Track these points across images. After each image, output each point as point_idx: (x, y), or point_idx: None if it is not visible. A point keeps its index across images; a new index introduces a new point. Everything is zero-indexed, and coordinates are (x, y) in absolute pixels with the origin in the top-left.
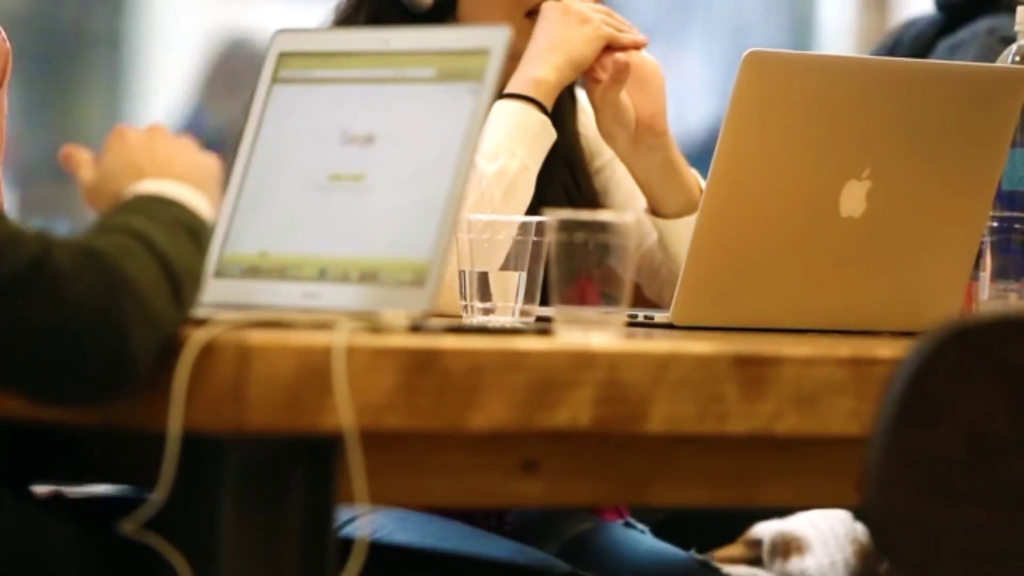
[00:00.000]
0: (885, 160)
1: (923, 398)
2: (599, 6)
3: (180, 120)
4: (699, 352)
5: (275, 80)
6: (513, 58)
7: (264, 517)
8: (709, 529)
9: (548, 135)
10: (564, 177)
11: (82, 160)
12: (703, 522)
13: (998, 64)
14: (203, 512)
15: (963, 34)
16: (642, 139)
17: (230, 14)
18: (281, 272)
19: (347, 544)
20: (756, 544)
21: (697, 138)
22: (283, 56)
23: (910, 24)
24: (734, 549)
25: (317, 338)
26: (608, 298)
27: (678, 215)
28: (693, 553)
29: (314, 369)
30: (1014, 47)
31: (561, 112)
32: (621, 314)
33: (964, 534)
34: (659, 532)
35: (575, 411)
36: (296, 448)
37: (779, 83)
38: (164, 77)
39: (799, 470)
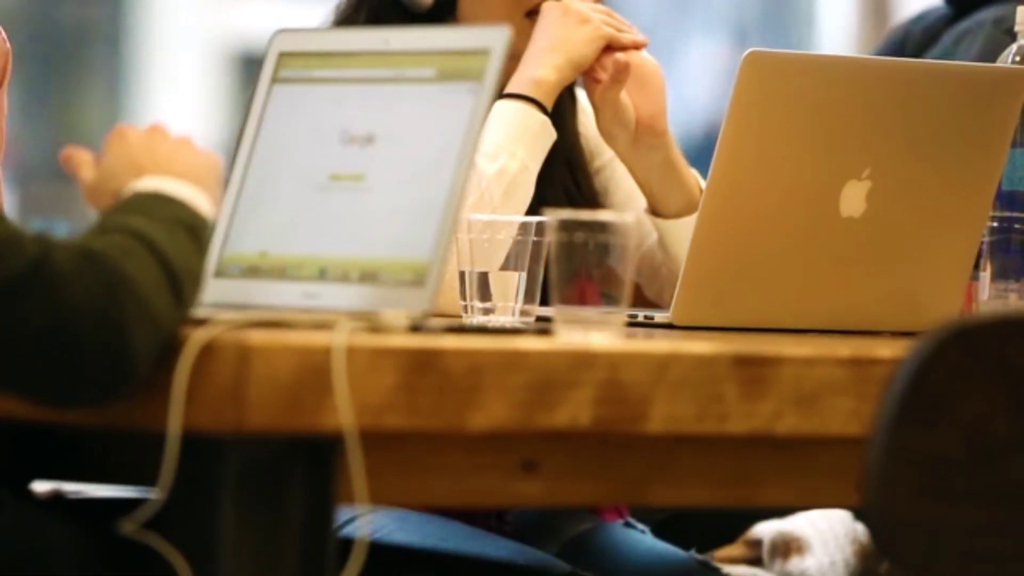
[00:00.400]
0: (885, 160)
1: (923, 398)
2: (599, 6)
3: None
4: (699, 352)
5: (275, 80)
6: (513, 58)
7: (264, 517)
8: (709, 529)
9: (548, 135)
10: (564, 177)
11: (82, 161)
12: (703, 522)
13: (998, 64)
14: (203, 512)
15: (969, 23)
16: (642, 139)
17: (230, 14)
18: (281, 272)
19: (347, 544)
20: (756, 544)
21: (697, 138)
22: (283, 56)
23: (919, 18)
24: (734, 549)
25: (317, 338)
26: (608, 298)
27: (678, 215)
28: (693, 553)
29: (314, 369)
30: (1014, 47)
31: (561, 112)
32: (621, 314)
33: (964, 534)
34: (659, 532)
35: (575, 411)
36: (296, 448)
37: (779, 83)
38: (164, 76)
39: (799, 470)
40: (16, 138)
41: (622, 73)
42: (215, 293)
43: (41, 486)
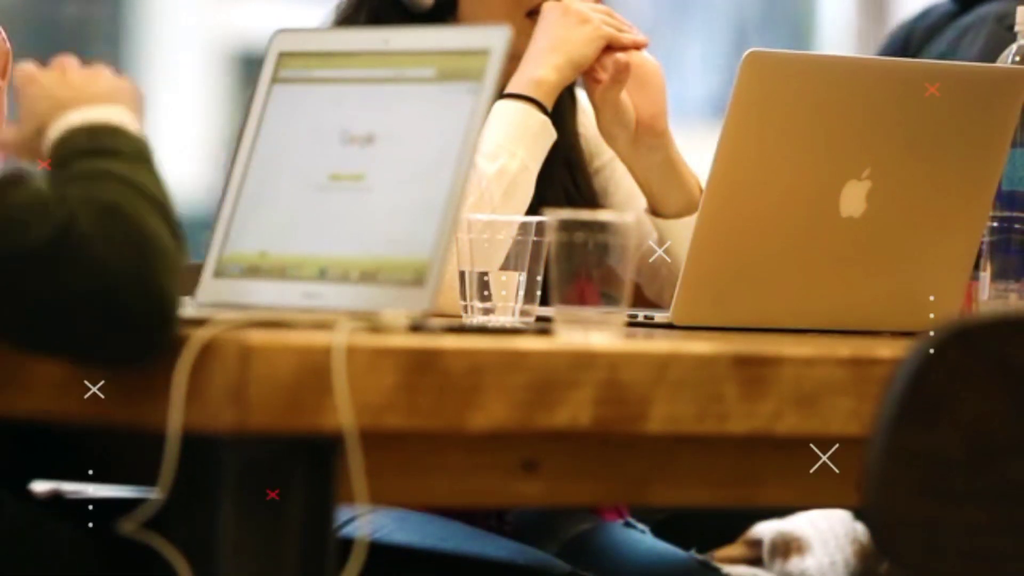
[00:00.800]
0: (885, 160)
1: (923, 398)
2: (599, 6)
3: None
4: (699, 352)
5: (275, 80)
6: (513, 58)
7: (264, 517)
8: (709, 529)
9: (548, 135)
10: (563, 178)
11: None
12: (703, 522)
13: (998, 64)
14: (203, 512)
15: (971, 18)
16: (642, 139)
17: (230, 14)
18: (281, 272)
19: (347, 544)
20: (756, 544)
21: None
22: (283, 56)
23: (923, 15)
24: (734, 549)
25: (317, 338)
26: (608, 298)
27: (678, 215)
28: (693, 553)
29: (314, 369)
30: (1014, 47)
31: (561, 112)
32: (621, 314)
33: (964, 534)
34: (659, 532)
35: (575, 411)
36: (296, 448)
37: (779, 83)
38: (164, 76)
39: (799, 470)
40: None
41: (622, 73)
42: (215, 293)
43: (40, 486)
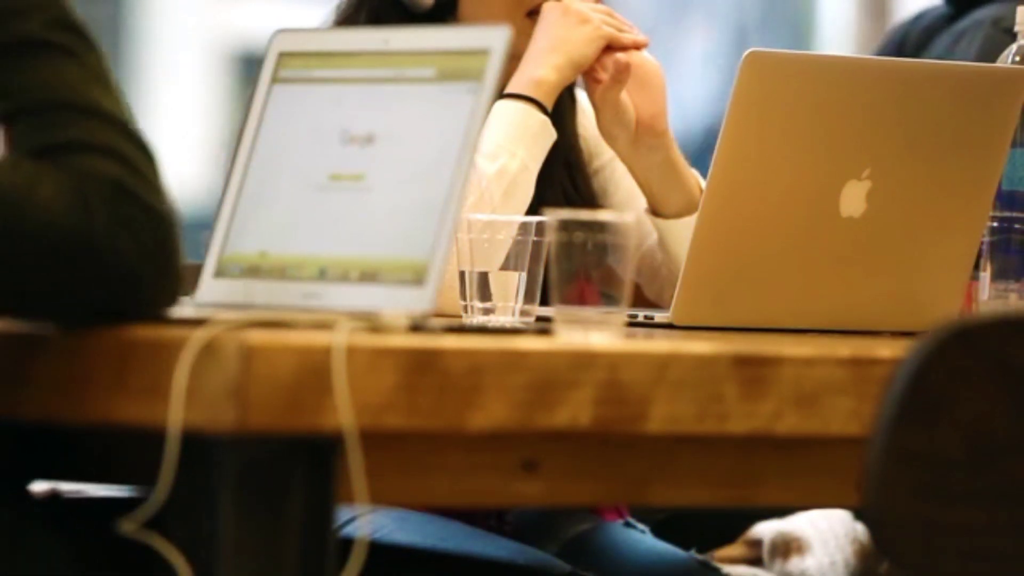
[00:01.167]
0: (885, 160)
1: (923, 398)
2: (599, 6)
3: None
4: (699, 352)
5: (275, 80)
6: (513, 58)
7: (264, 517)
8: (709, 529)
9: (548, 135)
10: (562, 178)
11: None
12: (703, 522)
13: (998, 64)
14: (203, 512)
15: (967, 22)
16: (642, 139)
17: (230, 14)
18: (281, 272)
19: (347, 544)
20: (756, 544)
21: (697, 138)
22: (283, 56)
23: (918, 18)
24: (734, 549)
25: (317, 338)
26: (608, 298)
27: (678, 215)
28: (693, 553)
29: (314, 369)
30: (1014, 47)
31: (561, 113)
32: (621, 314)
33: (964, 534)
34: (659, 532)
35: (575, 411)
36: (296, 448)
37: (779, 83)
38: (164, 76)
39: (799, 470)
40: None
41: (622, 73)
42: (215, 293)
43: (39, 486)
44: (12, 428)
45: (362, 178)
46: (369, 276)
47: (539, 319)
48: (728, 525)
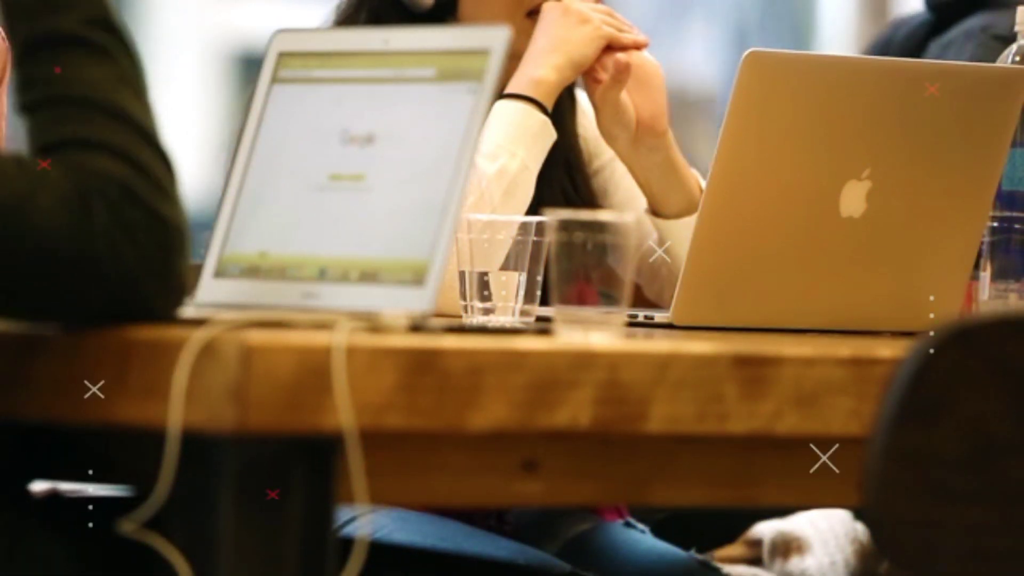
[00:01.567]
0: (885, 160)
1: (923, 398)
2: (600, 6)
3: None
4: (699, 352)
5: (275, 80)
6: (513, 58)
7: (264, 517)
8: (709, 529)
9: (548, 135)
10: (562, 178)
11: None
12: (703, 522)
13: (998, 64)
14: (203, 512)
15: (955, 33)
16: (642, 139)
17: (230, 14)
18: (281, 272)
19: (347, 544)
20: (756, 544)
21: None
22: (283, 56)
23: (900, 24)
24: (734, 549)
25: (317, 338)
26: (608, 298)
27: (678, 215)
28: (693, 553)
29: (314, 369)
30: (1014, 47)
31: (561, 113)
32: (621, 314)
33: (964, 534)
34: (659, 532)
35: (575, 411)
36: (296, 448)
37: (779, 83)
38: (163, 76)
39: (799, 470)
40: (16, 138)
41: (623, 73)
42: (215, 293)
43: (39, 486)
44: (12, 428)
45: (362, 178)
46: (369, 276)
47: (539, 319)
48: (728, 525)
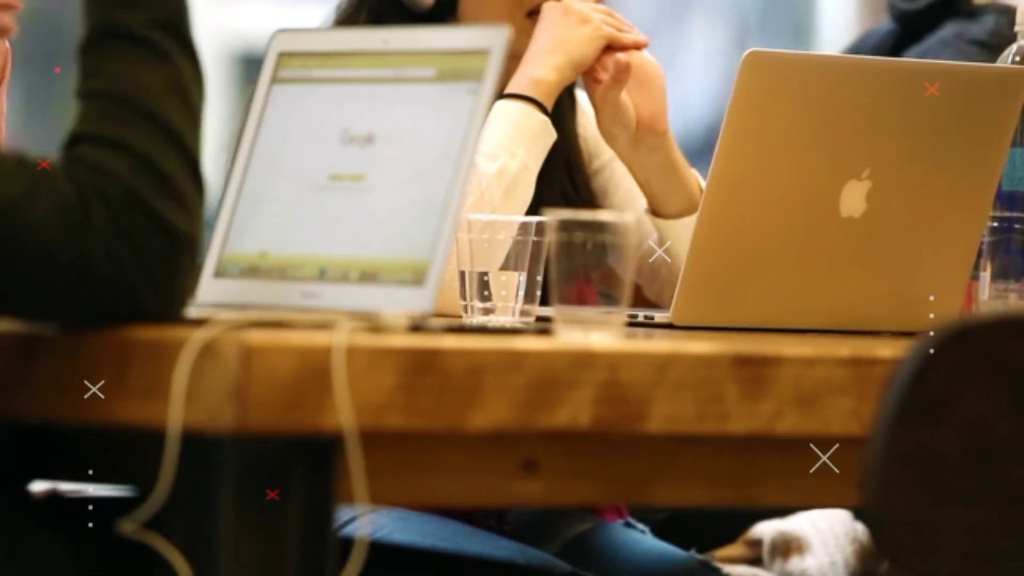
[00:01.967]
0: (885, 160)
1: (923, 398)
2: (600, 6)
3: None
4: (699, 352)
5: (275, 80)
6: (513, 58)
7: (264, 517)
8: (709, 529)
9: (548, 135)
10: (562, 179)
11: None
12: (703, 522)
13: (998, 64)
14: (203, 512)
15: (929, 42)
16: (643, 139)
17: (230, 14)
18: (281, 272)
19: (347, 544)
20: (756, 544)
21: (697, 138)
22: (283, 56)
23: (866, 36)
24: (734, 549)
25: (317, 338)
26: (608, 298)
27: (678, 215)
28: (693, 553)
29: (314, 369)
30: (1014, 47)
31: (560, 113)
32: (621, 314)
33: (964, 534)
34: (659, 532)
35: (575, 411)
36: (296, 448)
37: (779, 83)
38: None
39: (799, 470)
40: (16, 138)
41: (623, 73)
42: (215, 293)
43: (39, 486)
44: (12, 428)
45: (362, 178)
46: (369, 276)
47: (539, 319)
48: (728, 525)
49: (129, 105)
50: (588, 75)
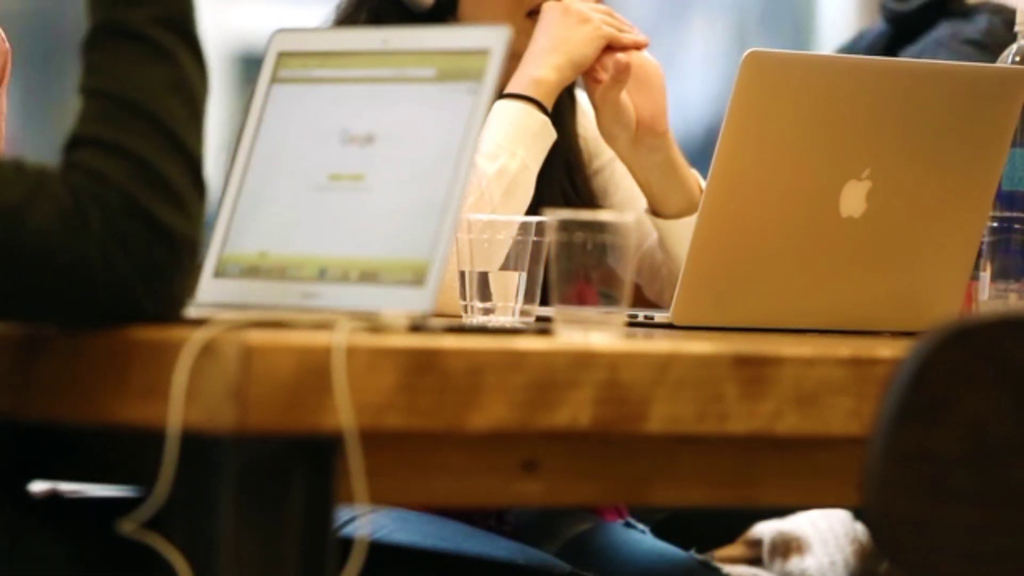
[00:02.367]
0: (885, 160)
1: (923, 398)
2: (600, 6)
3: None
4: (699, 352)
5: (274, 80)
6: (513, 58)
7: (264, 517)
8: (709, 529)
9: (548, 135)
10: (561, 179)
11: None
12: (703, 522)
13: (998, 64)
14: (203, 512)
15: (924, 43)
16: (643, 140)
17: (230, 14)
18: (281, 272)
19: (347, 544)
20: (756, 544)
21: (697, 138)
22: (282, 56)
23: (860, 36)
24: (734, 549)
25: (317, 338)
26: (608, 298)
27: (678, 215)
28: (693, 553)
29: (314, 369)
30: (1014, 47)
31: (560, 113)
32: (621, 314)
33: (964, 534)
34: (659, 532)
35: (575, 411)
36: (296, 448)
37: (779, 83)
38: None
39: (799, 470)
40: (16, 138)
41: (623, 73)
42: (215, 293)
43: (39, 486)
44: (12, 428)
45: (362, 178)
46: (369, 276)
47: (539, 319)
48: (728, 525)
49: (129, 106)
50: (588, 75)
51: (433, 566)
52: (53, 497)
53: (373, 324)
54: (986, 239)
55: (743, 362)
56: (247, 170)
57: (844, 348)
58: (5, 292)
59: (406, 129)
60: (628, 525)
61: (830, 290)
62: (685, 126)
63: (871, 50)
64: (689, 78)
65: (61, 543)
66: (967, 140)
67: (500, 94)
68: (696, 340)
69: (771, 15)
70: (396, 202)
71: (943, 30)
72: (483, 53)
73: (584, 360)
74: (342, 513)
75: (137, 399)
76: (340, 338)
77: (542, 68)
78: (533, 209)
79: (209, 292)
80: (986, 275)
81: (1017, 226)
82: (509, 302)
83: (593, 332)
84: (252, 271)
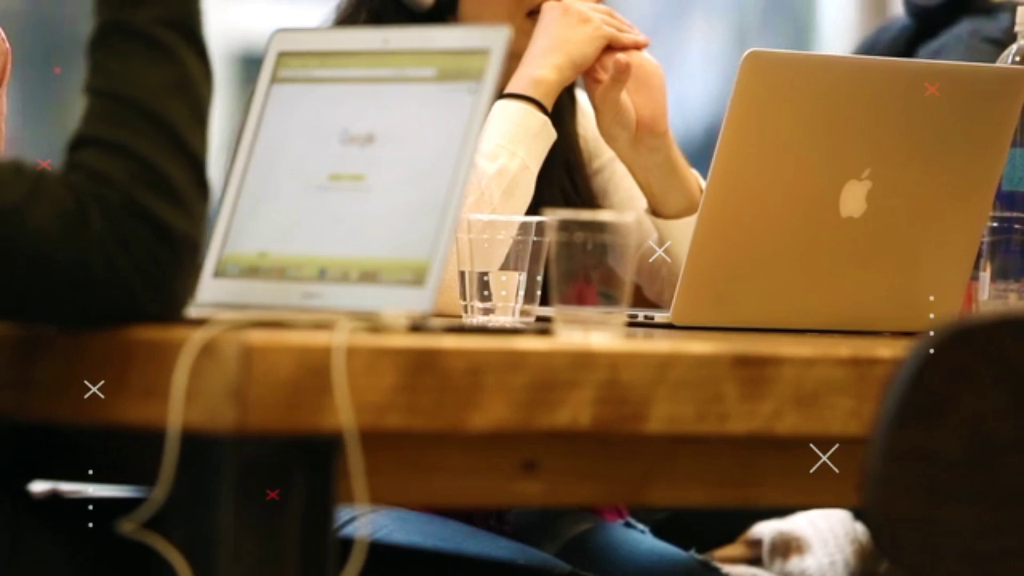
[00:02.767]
0: (885, 160)
1: (923, 398)
2: (600, 6)
3: None
4: (699, 352)
5: (274, 80)
6: (513, 58)
7: (264, 517)
8: (709, 529)
9: (548, 135)
10: (561, 179)
11: None
12: (703, 522)
13: (998, 64)
14: (203, 512)
15: (945, 38)
16: (643, 140)
17: (230, 14)
18: (281, 272)
19: (347, 544)
20: (756, 544)
21: (697, 138)
22: (282, 55)
23: (883, 29)
24: (734, 549)
25: (317, 338)
26: (608, 298)
27: (678, 215)
28: (693, 553)
29: (314, 369)
30: (1014, 47)
31: (560, 113)
32: (621, 314)
33: (964, 534)
34: (659, 532)
35: (575, 411)
36: (296, 448)
37: (779, 83)
38: None
39: (799, 470)
40: (16, 138)
41: (623, 73)
42: (215, 293)
43: (39, 486)
44: (12, 428)
45: (362, 178)
46: (369, 276)
47: (539, 319)
48: (728, 525)
49: (132, 106)
50: (588, 75)
51: (433, 566)
52: (53, 497)
53: (373, 324)
54: (986, 239)
55: (743, 362)
56: (247, 170)
57: (844, 348)
58: (5, 292)
59: (406, 129)
60: (628, 525)
61: (830, 290)
62: (685, 126)
63: (892, 45)
64: (689, 78)
65: (61, 543)
66: (967, 140)
67: (500, 94)
68: (696, 340)
69: (771, 15)
70: (396, 202)
71: (965, 26)
72: (483, 53)
73: (584, 360)
74: (342, 513)
75: (137, 399)
76: (340, 338)
77: (542, 68)
78: (533, 209)
79: (209, 292)
80: (986, 275)
81: (1017, 226)
82: (509, 302)
83: (593, 332)
84: (252, 271)
